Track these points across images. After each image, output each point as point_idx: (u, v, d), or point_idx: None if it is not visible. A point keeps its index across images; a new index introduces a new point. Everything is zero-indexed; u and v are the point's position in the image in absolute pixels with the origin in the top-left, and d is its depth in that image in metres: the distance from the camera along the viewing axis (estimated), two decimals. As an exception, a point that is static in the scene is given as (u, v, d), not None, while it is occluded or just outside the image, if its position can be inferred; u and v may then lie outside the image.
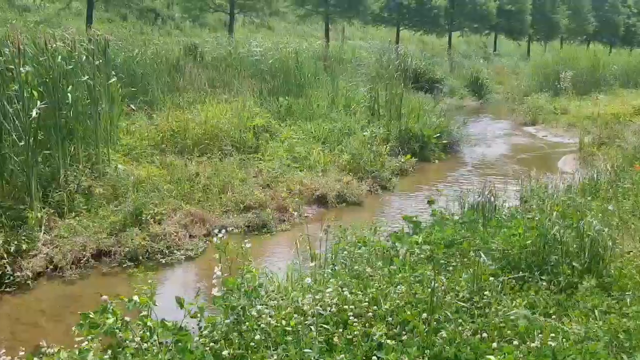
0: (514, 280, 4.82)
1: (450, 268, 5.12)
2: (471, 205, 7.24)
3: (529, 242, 5.08)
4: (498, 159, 13.48)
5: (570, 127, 16.40)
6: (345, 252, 5.80)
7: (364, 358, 3.88)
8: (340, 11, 28.39)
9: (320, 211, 9.37)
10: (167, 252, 7.42)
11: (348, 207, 9.63)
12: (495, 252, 5.17)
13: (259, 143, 10.90)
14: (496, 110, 21.13)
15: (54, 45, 8.50)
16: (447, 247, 5.45)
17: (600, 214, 5.59)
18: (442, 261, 5.18)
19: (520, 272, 4.90)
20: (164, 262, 7.30)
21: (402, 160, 11.94)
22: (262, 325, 4.09)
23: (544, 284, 4.82)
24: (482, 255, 4.87)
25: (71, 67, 8.67)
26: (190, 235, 7.87)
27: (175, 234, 7.70)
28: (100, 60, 9.33)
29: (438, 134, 13.56)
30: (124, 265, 7.15)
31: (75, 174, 8.22)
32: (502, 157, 13.67)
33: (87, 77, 8.91)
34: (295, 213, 8.92)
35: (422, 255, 5.12)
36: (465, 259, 5.11)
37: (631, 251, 5.54)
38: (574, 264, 4.89)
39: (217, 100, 11.89)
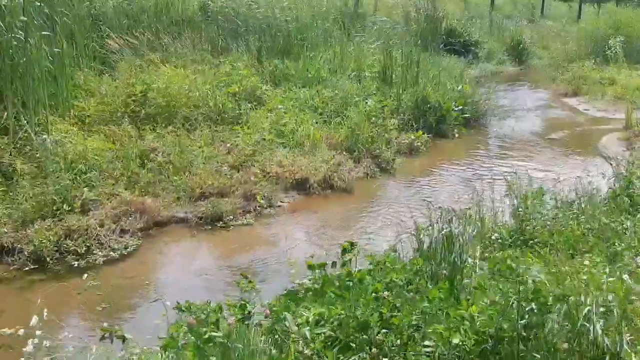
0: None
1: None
2: (430, 244, 4.22)
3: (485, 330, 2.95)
4: (527, 137, 11.37)
5: (617, 100, 14.02)
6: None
7: None
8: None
9: (299, 199, 7.63)
10: (84, 252, 5.83)
11: (333, 195, 7.84)
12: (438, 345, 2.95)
13: (241, 112, 9.12)
14: (536, 78, 18.69)
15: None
16: (360, 330, 3.11)
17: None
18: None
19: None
20: (75, 265, 5.70)
21: (413, 136, 10.01)
22: None
23: None
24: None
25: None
26: (122, 230, 6.24)
27: (100, 228, 6.09)
28: None
29: (460, 106, 11.52)
30: (25, 269, 5.60)
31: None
32: (532, 134, 11.54)
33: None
34: (263, 202, 7.20)
35: (307, 351, 2.94)
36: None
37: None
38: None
39: (196, 61, 10.10)
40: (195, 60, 10.18)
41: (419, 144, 9.95)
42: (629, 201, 4.97)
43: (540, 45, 23.36)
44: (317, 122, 9.35)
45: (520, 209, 4.65)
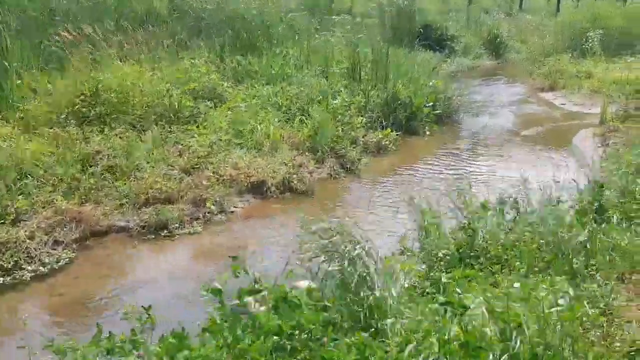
0: None
1: None
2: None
3: None
4: (501, 134, 10.93)
5: (594, 94, 13.61)
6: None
7: None
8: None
9: (254, 204, 7.13)
10: (11, 267, 5.30)
11: (292, 198, 7.35)
12: None
13: (198, 112, 8.59)
14: (513, 72, 18.27)
15: None
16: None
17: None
18: None
19: None
20: (0, 282, 5.18)
21: (381, 135, 9.54)
22: None
23: None
24: None
25: None
26: (55, 242, 5.71)
27: (29, 240, 5.56)
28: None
29: (432, 103, 11.07)
30: (-57, 288, 5.08)
31: None
32: (506, 131, 11.10)
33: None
34: (214, 207, 6.69)
35: None
36: None
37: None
38: None
39: (154, 58, 9.55)
40: (154, 56, 9.62)
41: (387, 142, 9.48)
42: (596, 210, 4.53)
43: (519, 39, 22.97)
44: (279, 121, 8.85)
45: (469, 222, 4.17)
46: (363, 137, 9.34)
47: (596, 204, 4.64)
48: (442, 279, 3.16)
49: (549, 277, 3.06)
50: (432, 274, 3.74)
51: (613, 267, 3.71)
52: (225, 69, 10.09)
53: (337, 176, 8.17)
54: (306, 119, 8.99)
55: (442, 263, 3.85)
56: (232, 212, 6.82)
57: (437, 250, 3.96)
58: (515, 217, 4.45)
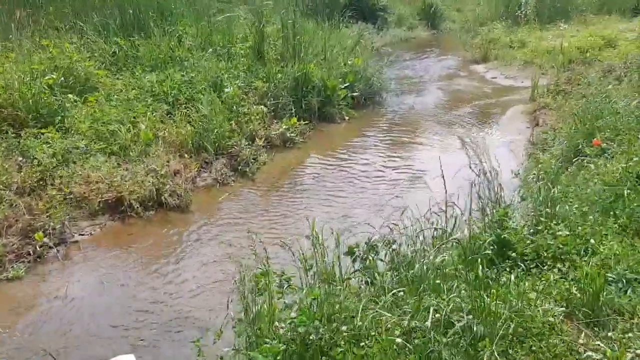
0: None
1: None
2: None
3: None
4: (426, 116, 9.52)
5: (527, 65, 12.34)
6: None
7: None
8: None
9: (109, 227, 5.56)
10: None
11: (161, 216, 5.81)
12: None
13: (59, 109, 6.89)
14: (448, 44, 16.85)
15: None
16: None
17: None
18: None
19: None
20: None
21: (285, 125, 8.03)
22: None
23: None
24: None
25: None
26: None
27: None
28: None
29: (350, 83, 9.59)
30: None
31: None
32: (431, 113, 9.68)
33: None
34: (47, 240, 5.10)
35: None
36: None
37: None
38: None
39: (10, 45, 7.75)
40: (9, 40, 7.81)
41: (292, 134, 7.99)
42: (498, 249, 3.17)
43: (454, 8, 21.53)
44: (160, 115, 7.23)
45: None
46: (265, 130, 7.82)
47: (494, 244, 3.27)
48: None
49: None
50: None
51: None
52: (104, 55, 8.33)
53: (225, 182, 6.65)
54: (196, 111, 7.39)
55: None
56: (76, 241, 5.25)
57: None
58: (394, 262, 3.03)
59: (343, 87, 9.36)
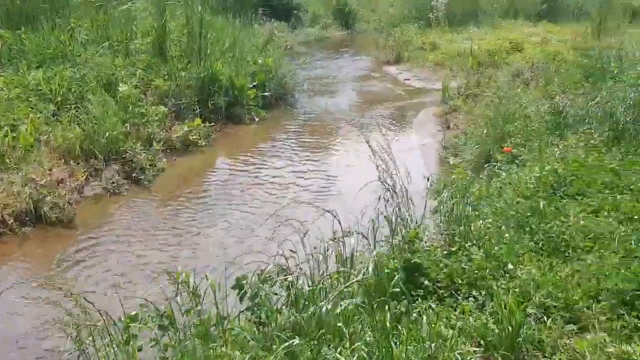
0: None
1: None
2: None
3: None
4: (338, 118, 9.14)
5: (438, 67, 12.30)
6: None
7: None
8: None
9: (-27, 248, 4.77)
10: None
11: (38, 232, 5.07)
12: None
13: None
14: (362, 44, 16.66)
15: None
16: None
17: None
18: None
19: None
20: None
21: (187, 127, 7.41)
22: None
23: None
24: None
25: None
26: None
27: None
28: None
29: (259, 83, 9.07)
30: None
31: None
32: (344, 114, 9.30)
33: None
34: None
35: None
36: None
37: None
38: None
39: None
40: None
41: (196, 136, 7.38)
42: (401, 280, 2.76)
43: (369, 8, 21.42)
44: (45, 117, 6.41)
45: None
46: (165, 132, 7.17)
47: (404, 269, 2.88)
48: None
49: None
50: None
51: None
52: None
53: (117, 191, 5.96)
54: (87, 113, 6.61)
55: None
56: None
57: None
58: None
59: (252, 86, 8.84)
